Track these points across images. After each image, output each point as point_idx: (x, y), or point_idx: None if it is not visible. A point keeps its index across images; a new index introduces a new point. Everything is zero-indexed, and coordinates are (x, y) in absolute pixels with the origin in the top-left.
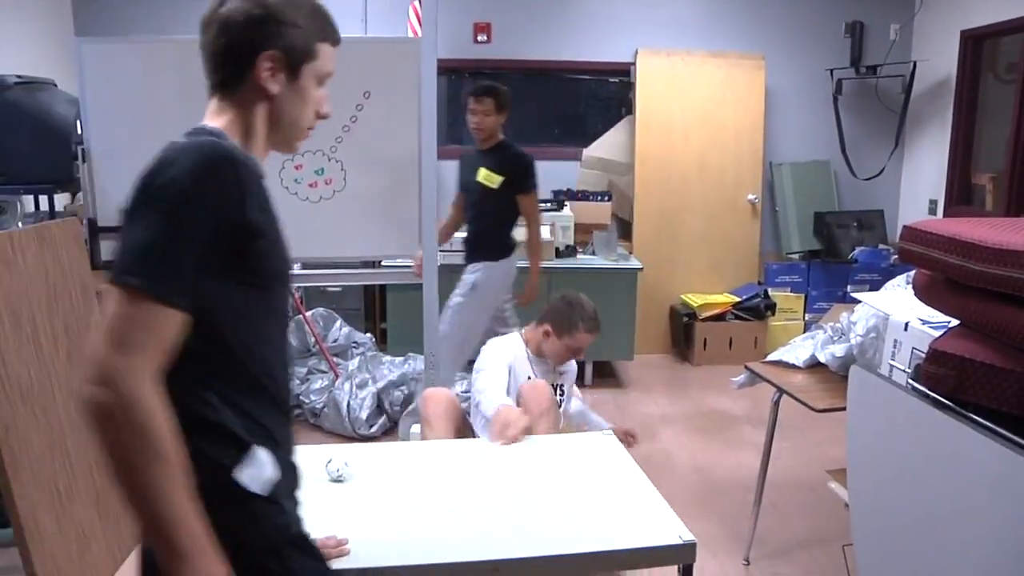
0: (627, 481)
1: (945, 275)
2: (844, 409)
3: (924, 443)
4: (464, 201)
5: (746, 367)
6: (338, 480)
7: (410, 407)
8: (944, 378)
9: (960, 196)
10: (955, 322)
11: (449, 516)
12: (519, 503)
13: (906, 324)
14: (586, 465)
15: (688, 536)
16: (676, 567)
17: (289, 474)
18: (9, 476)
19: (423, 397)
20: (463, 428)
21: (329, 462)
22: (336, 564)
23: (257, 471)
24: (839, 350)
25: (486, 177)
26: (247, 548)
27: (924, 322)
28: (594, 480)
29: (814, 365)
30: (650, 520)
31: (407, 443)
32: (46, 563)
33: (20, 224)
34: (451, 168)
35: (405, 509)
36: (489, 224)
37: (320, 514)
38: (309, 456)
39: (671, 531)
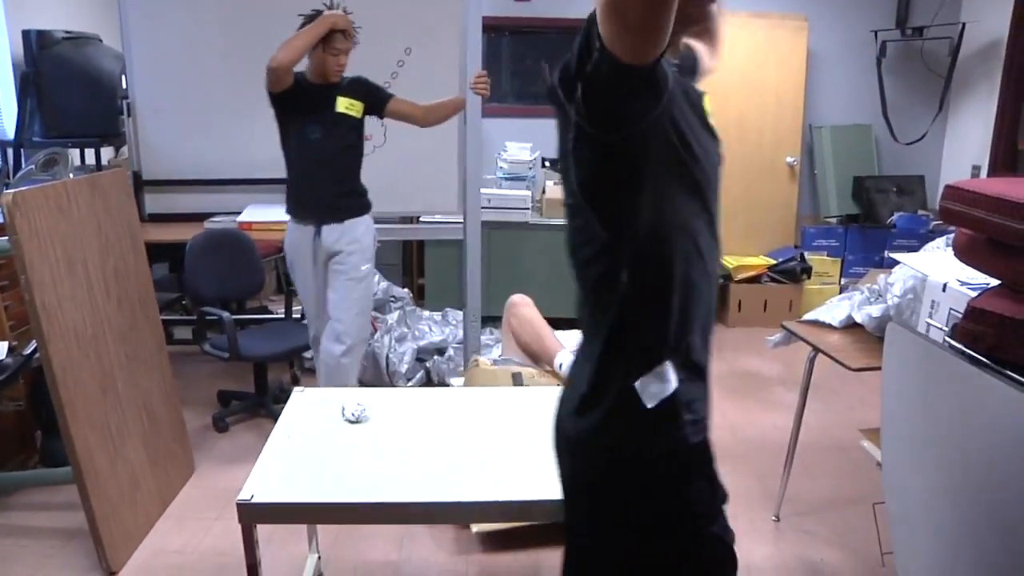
0: None
1: (987, 235)
2: (879, 369)
3: (960, 401)
4: (310, 151)
5: (782, 325)
6: (356, 421)
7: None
8: (982, 336)
9: (1006, 162)
10: (995, 283)
11: (462, 457)
12: (531, 448)
13: (944, 285)
14: None
15: None
16: None
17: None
18: (67, 416)
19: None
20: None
21: (343, 407)
22: (358, 499)
23: (659, 384)
24: (876, 311)
25: (349, 106)
26: (640, 453)
27: (963, 283)
28: None
29: (850, 326)
30: None
31: (422, 389)
32: (101, 500)
33: (71, 176)
34: (492, 126)
35: (418, 450)
36: (357, 163)
37: (337, 452)
38: (325, 399)
39: None
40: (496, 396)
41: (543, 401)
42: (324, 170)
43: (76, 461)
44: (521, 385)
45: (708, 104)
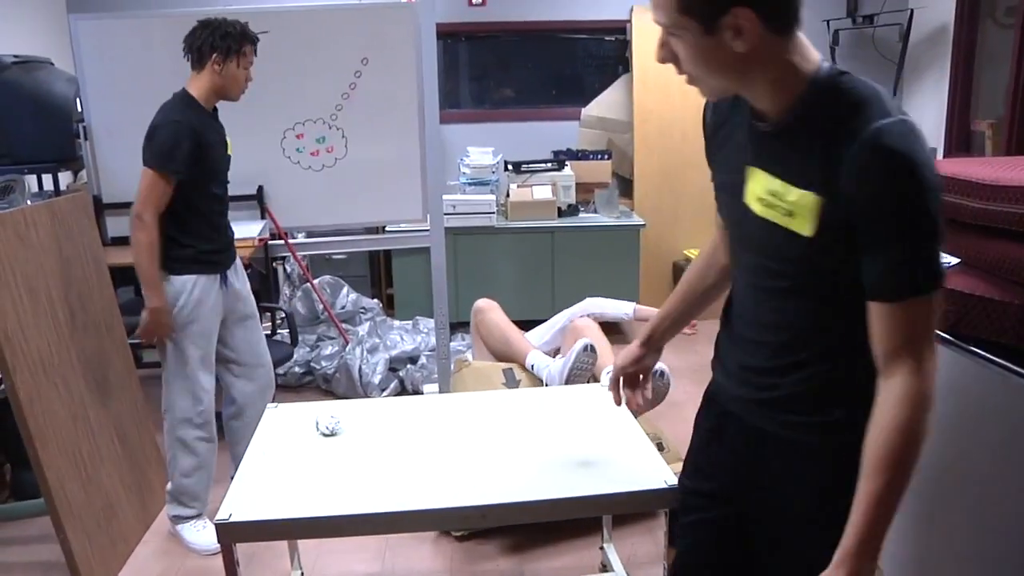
0: (618, 430)
1: (943, 215)
2: None
3: None
4: (216, 202)
5: None
6: (331, 434)
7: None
8: (945, 314)
9: (959, 143)
10: (954, 261)
11: (439, 464)
12: (508, 451)
13: None
14: (578, 415)
15: (673, 481)
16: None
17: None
18: (37, 446)
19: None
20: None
21: (317, 421)
22: (337, 511)
23: None
24: None
25: (230, 148)
26: None
27: None
28: (585, 429)
29: None
30: (637, 466)
31: (396, 398)
32: (76, 530)
33: (28, 203)
34: (452, 132)
35: (395, 459)
36: None
37: (313, 466)
38: (299, 414)
39: (657, 476)
40: (470, 401)
41: (518, 405)
42: (225, 216)
43: (48, 492)
44: (513, 381)
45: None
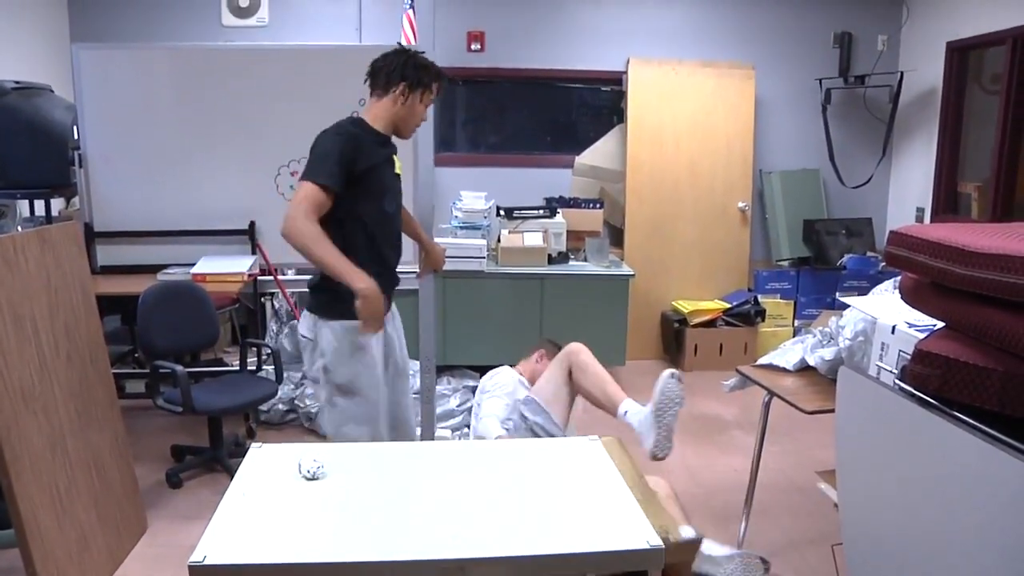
0: (604, 486)
1: (930, 279)
2: (833, 411)
3: (910, 441)
4: (386, 225)
5: (737, 370)
6: (313, 478)
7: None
8: (929, 377)
9: (946, 204)
10: (940, 325)
11: (419, 514)
12: (491, 504)
13: (893, 327)
14: (564, 469)
15: (656, 542)
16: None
17: None
18: (11, 476)
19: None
20: None
21: (300, 464)
22: (316, 559)
23: None
24: (828, 353)
25: (400, 167)
26: None
27: (911, 325)
28: (570, 484)
29: (803, 369)
30: (621, 524)
31: (381, 444)
32: (47, 563)
33: (19, 228)
34: (446, 175)
35: (376, 507)
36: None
37: (294, 510)
38: (283, 455)
39: (640, 536)
40: (455, 449)
41: (504, 455)
42: (394, 243)
43: (20, 523)
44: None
45: None
